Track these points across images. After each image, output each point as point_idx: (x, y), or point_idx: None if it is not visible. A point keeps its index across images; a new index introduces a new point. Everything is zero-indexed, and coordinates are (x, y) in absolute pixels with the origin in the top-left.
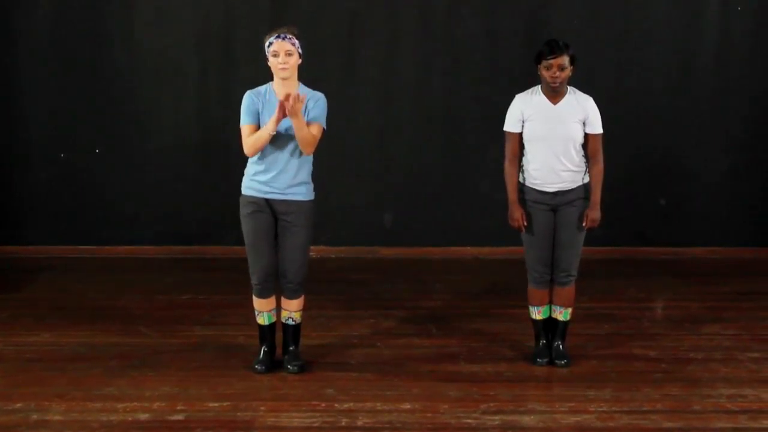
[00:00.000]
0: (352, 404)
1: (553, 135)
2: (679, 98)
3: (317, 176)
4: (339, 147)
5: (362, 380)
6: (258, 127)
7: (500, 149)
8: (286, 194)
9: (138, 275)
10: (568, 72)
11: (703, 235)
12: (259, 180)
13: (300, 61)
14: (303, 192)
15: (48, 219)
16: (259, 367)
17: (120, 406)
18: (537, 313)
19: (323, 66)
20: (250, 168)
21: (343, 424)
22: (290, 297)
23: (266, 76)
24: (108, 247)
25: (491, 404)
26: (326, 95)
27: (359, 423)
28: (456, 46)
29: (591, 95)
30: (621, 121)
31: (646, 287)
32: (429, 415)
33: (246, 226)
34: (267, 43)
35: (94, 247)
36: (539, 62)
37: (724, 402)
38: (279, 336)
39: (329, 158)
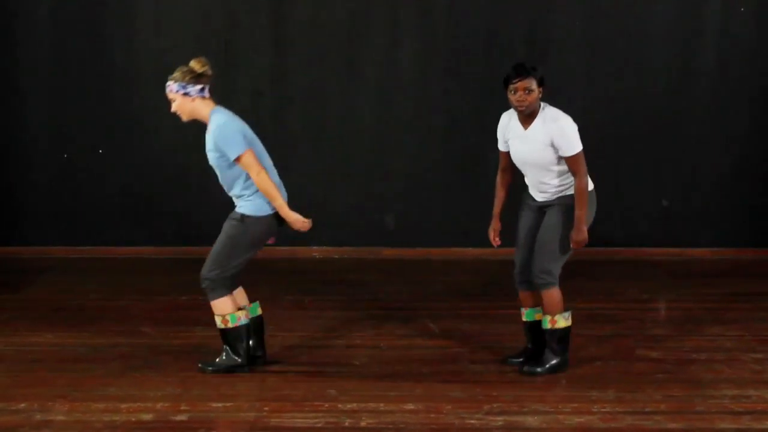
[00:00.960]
0: (355, 405)
1: (528, 159)
2: (680, 99)
3: (319, 176)
4: (340, 148)
5: (365, 381)
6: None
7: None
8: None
9: (139, 276)
10: (535, 95)
11: (705, 236)
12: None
13: (183, 100)
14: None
15: (49, 220)
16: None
17: (123, 406)
18: (522, 315)
19: (323, 67)
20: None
21: (347, 424)
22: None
23: (266, 81)
24: (109, 247)
25: (494, 405)
26: (327, 96)
27: (362, 423)
28: (457, 47)
29: (591, 95)
30: (622, 121)
31: (648, 288)
32: (432, 415)
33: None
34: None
35: (95, 247)
36: (506, 86)
37: (728, 403)
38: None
39: (330, 159)
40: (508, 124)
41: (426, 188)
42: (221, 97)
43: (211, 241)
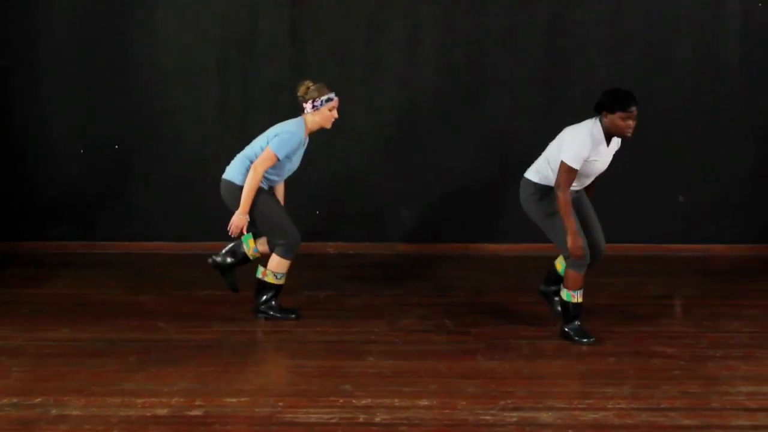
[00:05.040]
0: (369, 400)
1: (600, 171)
2: (701, 95)
3: (337, 170)
4: (358, 144)
5: (380, 376)
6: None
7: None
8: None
9: (157, 271)
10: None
11: (723, 232)
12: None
13: None
14: None
15: (69, 215)
16: (294, 315)
17: (139, 401)
18: (581, 296)
19: (344, 63)
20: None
21: (361, 420)
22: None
23: (286, 75)
24: (128, 243)
25: (509, 401)
26: (346, 92)
27: (377, 419)
28: (477, 45)
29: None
30: (643, 118)
31: (665, 284)
32: (447, 411)
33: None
34: (326, 98)
35: (114, 243)
36: (613, 111)
37: (743, 400)
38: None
39: (348, 155)
40: (597, 145)
41: (444, 184)
42: (241, 93)
43: (229, 237)
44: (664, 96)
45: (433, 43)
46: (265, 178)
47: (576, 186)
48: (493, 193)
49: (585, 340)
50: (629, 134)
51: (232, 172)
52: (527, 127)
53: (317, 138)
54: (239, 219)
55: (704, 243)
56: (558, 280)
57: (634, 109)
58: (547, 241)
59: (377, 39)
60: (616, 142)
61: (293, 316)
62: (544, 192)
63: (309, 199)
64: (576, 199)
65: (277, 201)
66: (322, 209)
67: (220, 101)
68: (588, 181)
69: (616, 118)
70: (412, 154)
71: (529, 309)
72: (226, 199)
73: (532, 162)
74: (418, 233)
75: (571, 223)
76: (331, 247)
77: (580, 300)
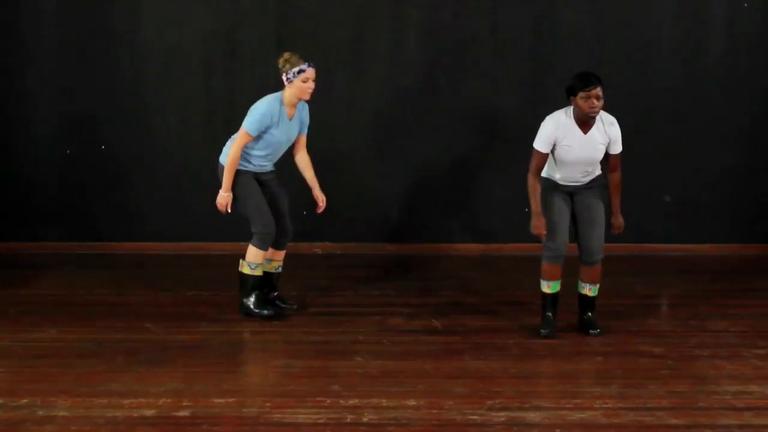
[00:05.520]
0: (357, 400)
1: (581, 160)
2: (685, 96)
3: (322, 171)
4: (345, 144)
5: (367, 376)
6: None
7: (505, 146)
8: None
9: (143, 271)
10: (602, 102)
11: (709, 232)
12: (256, 163)
13: None
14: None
15: (54, 215)
16: (269, 312)
17: (125, 402)
18: (548, 287)
19: (329, 64)
20: (254, 156)
21: (349, 420)
22: (285, 248)
23: (271, 76)
24: (113, 243)
25: (497, 401)
26: (331, 92)
27: (365, 419)
28: (462, 45)
29: None
30: (626, 117)
31: (652, 284)
32: (434, 411)
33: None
34: (297, 69)
35: (100, 243)
36: (574, 94)
37: (730, 399)
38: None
39: (334, 155)
40: (564, 128)
41: (430, 184)
42: (227, 94)
43: (215, 237)
44: (649, 96)
45: (416, 43)
46: (251, 158)
47: (568, 179)
48: (480, 193)
49: (541, 330)
50: (594, 114)
51: (222, 154)
52: (513, 126)
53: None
54: (221, 197)
55: (689, 243)
56: (583, 303)
57: (593, 87)
58: (535, 240)
59: (362, 40)
60: (602, 132)
61: (265, 312)
62: (542, 184)
63: (295, 200)
64: (576, 197)
65: (257, 188)
66: (309, 209)
67: (206, 102)
68: (578, 173)
69: (578, 100)
70: (398, 155)
71: (517, 309)
72: (219, 180)
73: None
74: (405, 233)
75: (535, 204)
76: (318, 248)
77: (546, 291)
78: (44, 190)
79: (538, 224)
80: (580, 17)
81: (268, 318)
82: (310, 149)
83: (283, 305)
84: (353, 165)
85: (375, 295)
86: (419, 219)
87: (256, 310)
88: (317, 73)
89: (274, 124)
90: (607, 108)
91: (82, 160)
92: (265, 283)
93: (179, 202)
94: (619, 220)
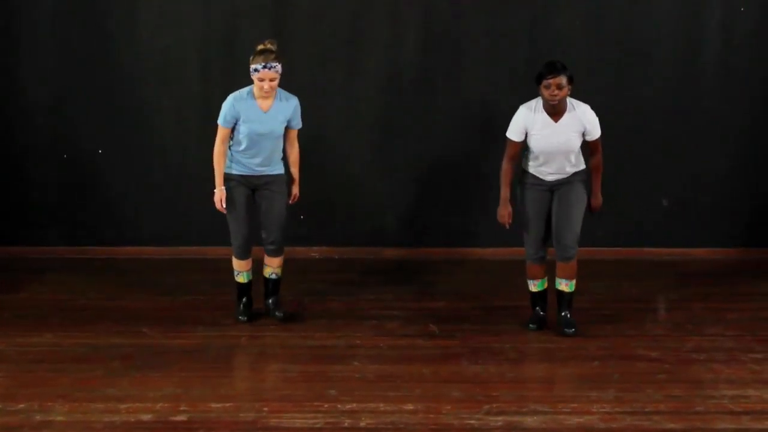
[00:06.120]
0: (355, 405)
1: (555, 149)
2: (681, 98)
3: (319, 175)
4: (342, 147)
5: (365, 381)
6: (230, 131)
7: (503, 151)
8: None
9: (140, 276)
10: (566, 91)
11: (706, 236)
12: (244, 162)
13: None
14: (280, 166)
15: (50, 219)
16: (243, 317)
17: (123, 406)
18: (533, 286)
19: (325, 66)
20: (236, 153)
21: (346, 425)
22: (276, 255)
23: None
24: (110, 247)
25: (494, 405)
26: (328, 95)
27: (362, 424)
28: (459, 47)
29: (593, 94)
30: (622, 120)
31: (649, 288)
32: (432, 415)
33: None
34: (253, 68)
35: (97, 247)
36: (539, 82)
37: (727, 403)
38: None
39: (331, 158)
40: (533, 117)
41: (428, 188)
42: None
43: (212, 241)
44: (643, 100)
45: (414, 44)
46: (235, 155)
47: (549, 170)
48: (477, 197)
49: (530, 325)
50: (555, 102)
51: None
52: None
53: (300, 140)
54: (215, 193)
55: (684, 247)
56: (560, 299)
57: (553, 76)
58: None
59: (359, 41)
60: (575, 119)
61: (241, 318)
62: (521, 178)
63: (292, 203)
64: (556, 193)
65: (241, 198)
66: (306, 213)
67: (202, 105)
68: (556, 163)
69: (541, 89)
70: (396, 159)
71: (514, 313)
72: None
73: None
74: (402, 237)
75: (504, 192)
76: (315, 252)
77: (533, 289)
78: (41, 194)
79: (503, 212)
80: (578, 18)
81: (247, 321)
82: (307, 151)
83: (272, 313)
84: (350, 167)
85: (372, 299)
86: (417, 223)
87: (240, 318)
88: (306, 72)
89: (240, 116)
90: (605, 108)
91: (79, 163)
92: (268, 289)
93: (176, 205)
94: (597, 200)
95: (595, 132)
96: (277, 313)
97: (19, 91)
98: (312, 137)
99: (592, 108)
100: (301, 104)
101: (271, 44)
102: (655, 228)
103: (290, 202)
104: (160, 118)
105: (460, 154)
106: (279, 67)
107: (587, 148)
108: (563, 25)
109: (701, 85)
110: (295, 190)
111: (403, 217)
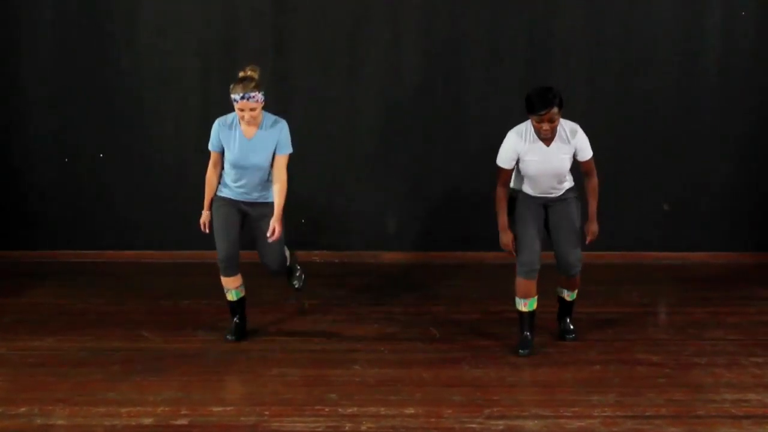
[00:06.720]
0: (355, 409)
1: (547, 172)
2: (682, 103)
3: (320, 181)
4: (342, 152)
5: (366, 385)
6: (220, 154)
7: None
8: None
9: (140, 280)
10: (557, 121)
11: (707, 240)
12: (234, 188)
13: (263, 102)
14: (270, 195)
15: (51, 224)
16: (230, 337)
17: (123, 410)
18: (524, 305)
19: (325, 70)
20: (227, 178)
21: (347, 429)
22: (277, 276)
23: (268, 83)
24: (111, 252)
25: (495, 409)
26: (328, 100)
27: (363, 428)
28: (459, 51)
29: (593, 96)
30: (623, 125)
31: (649, 292)
32: (432, 420)
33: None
34: (232, 97)
35: (97, 252)
36: (529, 112)
37: (728, 407)
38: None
39: (332, 163)
40: (524, 144)
41: (428, 192)
42: (224, 100)
43: (212, 246)
44: (643, 102)
45: (414, 52)
46: (225, 180)
47: (538, 192)
48: (477, 202)
49: (520, 350)
50: (545, 135)
51: None
52: None
53: (301, 145)
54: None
55: (684, 251)
56: (562, 306)
57: (542, 113)
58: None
59: (359, 47)
60: (565, 142)
61: (228, 337)
62: (513, 196)
63: (294, 208)
64: (550, 209)
65: (226, 218)
66: (308, 218)
67: (202, 109)
68: (546, 185)
69: (532, 120)
70: (396, 163)
71: (515, 318)
72: None
73: None
74: (403, 242)
75: (502, 220)
76: (316, 256)
77: (523, 309)
78: (41, 198)
79: (506, 240)
80: (578, 22)
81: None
82: (308, 158)
83: (290, 283)
84: (351, 171)
85: (373, 303)
86: (417, 227)
87: (225, 333)
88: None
89: (224, 143)
90: (604, 111)
91: (80, 167)
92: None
93: (178, 210)
94: (593, 227)
95: (586, 152)
96: (294, 283)
97: (21, 96)
98: (312, 142)
99: (592, 112)
100: (301, 108)
101: (253, 72)
102: (655, 231)
103: (270, 239)
104: (161, 122)
105: (459, 159)
106: (259, 96)
107: (579, 169)
108: (563, 27)
109: (702, 88)
110: (276, 224)
111: (404, 221)
